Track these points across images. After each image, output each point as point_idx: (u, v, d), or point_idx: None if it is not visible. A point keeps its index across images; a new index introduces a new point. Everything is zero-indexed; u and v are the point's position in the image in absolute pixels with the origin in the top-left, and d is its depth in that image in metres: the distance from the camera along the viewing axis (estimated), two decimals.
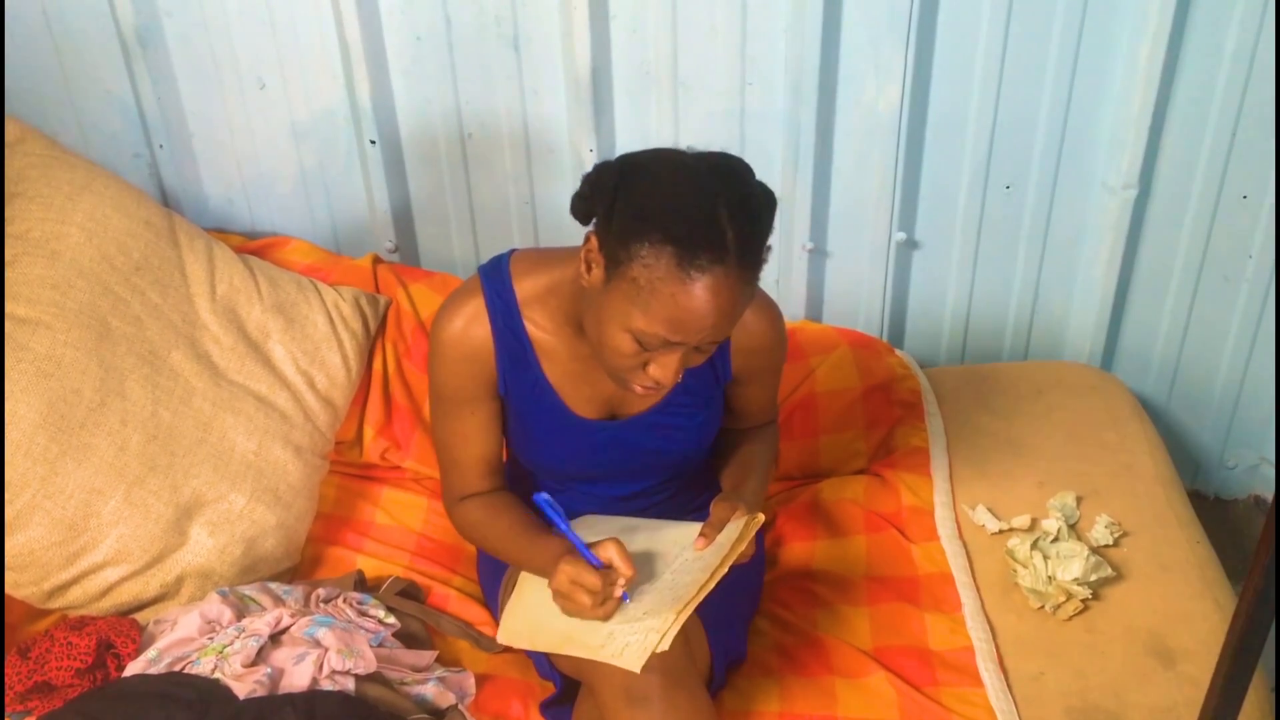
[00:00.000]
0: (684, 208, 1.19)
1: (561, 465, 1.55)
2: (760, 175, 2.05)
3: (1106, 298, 2.11)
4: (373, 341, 1.92)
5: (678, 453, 1.54)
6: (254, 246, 2.00)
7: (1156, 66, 1.86)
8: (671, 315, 1.20)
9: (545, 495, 1.39)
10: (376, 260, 2.04)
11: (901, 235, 2.08)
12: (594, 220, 1.27)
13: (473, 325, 1.42)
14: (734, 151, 1.96)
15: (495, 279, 1.44)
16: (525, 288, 1.43)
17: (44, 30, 1.94)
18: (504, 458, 1.56)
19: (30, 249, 1.63)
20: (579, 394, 1.47)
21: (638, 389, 1.31)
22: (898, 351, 2.07)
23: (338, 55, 1.94)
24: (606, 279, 1.24)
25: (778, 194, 2.00)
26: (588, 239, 1.27)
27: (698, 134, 1.99)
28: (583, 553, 1.34)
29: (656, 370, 1.27)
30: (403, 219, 2.13)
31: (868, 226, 2.07)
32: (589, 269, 1.28)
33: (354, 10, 1.88)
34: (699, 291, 1.19)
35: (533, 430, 1.50)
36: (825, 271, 2.14)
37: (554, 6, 1.88)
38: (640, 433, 1.50)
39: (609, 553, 1.32)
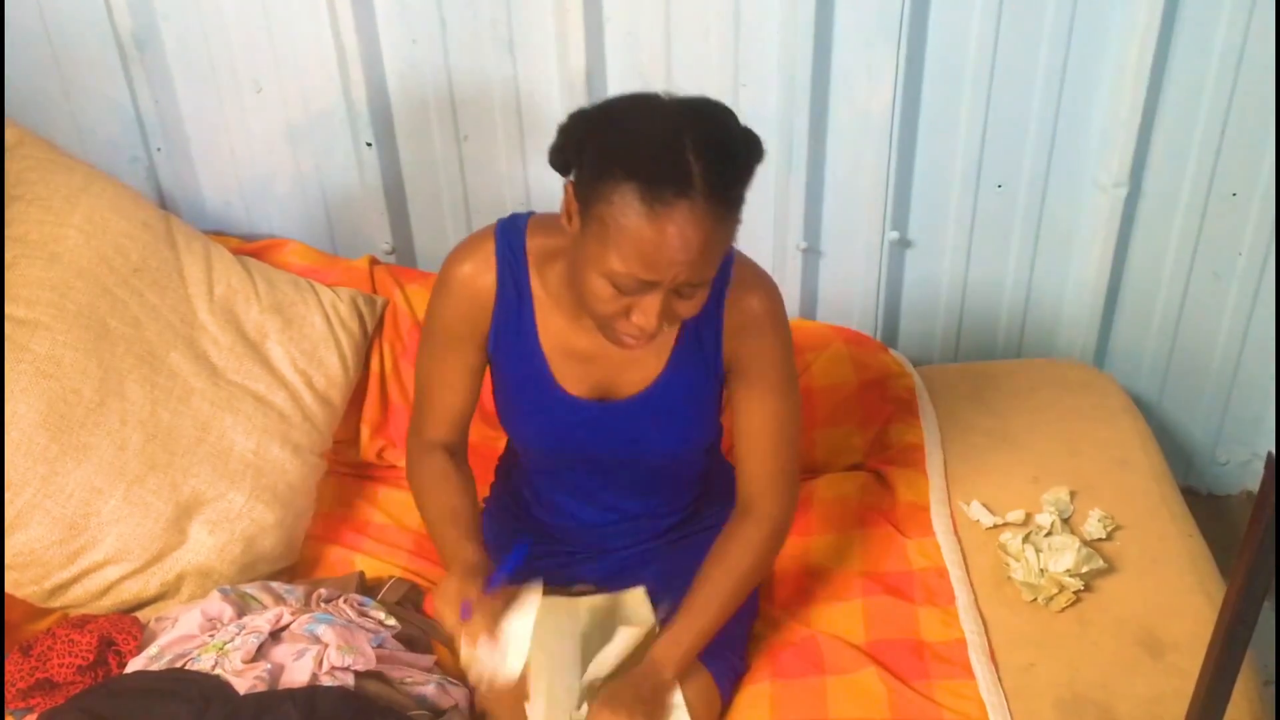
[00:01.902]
0: (649, 145, 1.18)
1: (540, 440, 1.52)
2: (754, 176, 2.06)
3: (1098, 295, 2.13)
4: (370, 341, 1.94)
5: (661, 449, 1.51)
6: (251, 248, 2.01)
7: (1146, 65, 1.88)
8: (641, 253, 1.18)
9: (525, 546, 1.38)
10: (373, 262, 2.05)
11: (895, 234, 2.09)
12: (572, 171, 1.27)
13: (481, 271, 1.42)
14: None
15: (510, 232, 1.43)
16: (536, 245, 1.42)
17: (41, 35, 1.95)
18: (470, 416, 1.52)
19: (29, 251, 1.65)
20: (570, 370, 1.45)
21: (625, 338, 1.29)
22: (891, 350, 2.08)
23: (334, 58, 1.95)
24: (582, 225, 1.23)
25: (772, 194, 2.04)
26: (566, 189, 1.27)
27: None
28: (491, 584, 1.32)
29: (638, 316, 1.24)
30: (399, 221, 2.14)
31: (861, 226, 2.09)
32: (569, 219, 1.27)
33: (350, 13, 1.89)
34: (665, 227, 1.17)
35: (517, 399, 1.49)
36: (819, 271, 2.15)
37: (549, 10, 1.90)
38: (624, 419, 1.46)
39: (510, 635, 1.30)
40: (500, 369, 1.48)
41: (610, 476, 1.56)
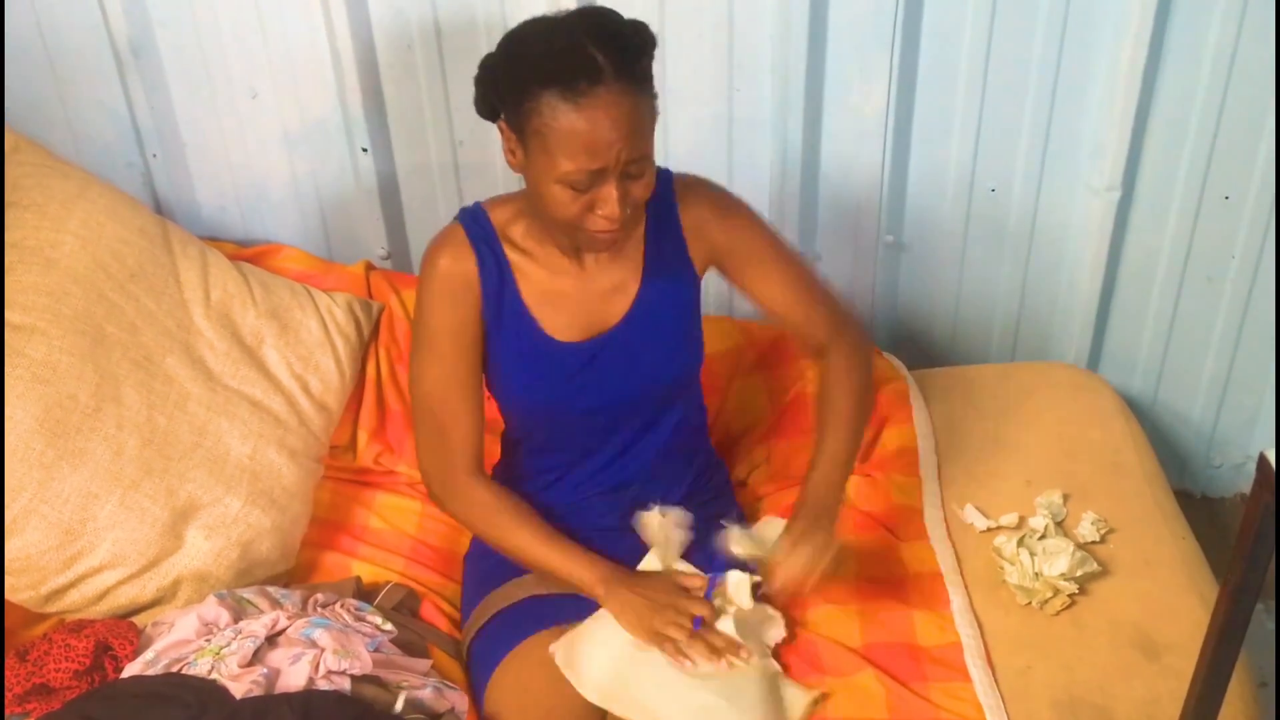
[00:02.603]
0: (554, 53, 1.31)
1: (542, 397, 1.56)
2: (749, 180, 2.09)
3: (1092, 299, 2.13)
4: (366, 347, 1.94)
5: (662, 377, 1.57)
6: (247, 254, 2.01)
7: (1138, 69, 1.89)
8: (582, 145, 1.30)
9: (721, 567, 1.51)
10: (369, 267, 2.05)
11: (889, 238, 2.10)
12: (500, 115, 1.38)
13: (460, 258, 1.50)
14: (722, 157, 2.03)
15: (470, 214, 1.53)
16: (499, 215, 1.53)
17: (38, 41, 1.96)
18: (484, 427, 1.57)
19: (25, 257, 1.65)
20: (556, 319, 1.52)
21: (598, 236, 1.40)
22: (884, 354, 2.09)
23: (329, 64, 1.96)
24: (525, 150, 1.35)
25: (766, 198, 2.05)
26: (501, 129, 1.39)
27: (686, 140, 2.01)
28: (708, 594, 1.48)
29: (601, 207, 1.36)
30: (395, 226, 2.15)
31: (855, 229, 2.10)
32: (513, 154, 1.38)
33: (345, 19, 1.90)
34: (594, 115, 1.29)
35: (510, 361, 1.54)
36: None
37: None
38: (617, 351, 1.53)
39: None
40: (494, 341, 1.53)
41: (613, 432, 1.60)
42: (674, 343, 1.58)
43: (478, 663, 1.56)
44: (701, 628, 1.44)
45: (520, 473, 1.66)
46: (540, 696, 1.47)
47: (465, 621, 1.64)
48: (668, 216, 1.54)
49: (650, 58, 1.36)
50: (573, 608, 1.55)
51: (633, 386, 1.56)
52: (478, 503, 1.55)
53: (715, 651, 1.43)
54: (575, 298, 1.53)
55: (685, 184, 1.56)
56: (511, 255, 1.51)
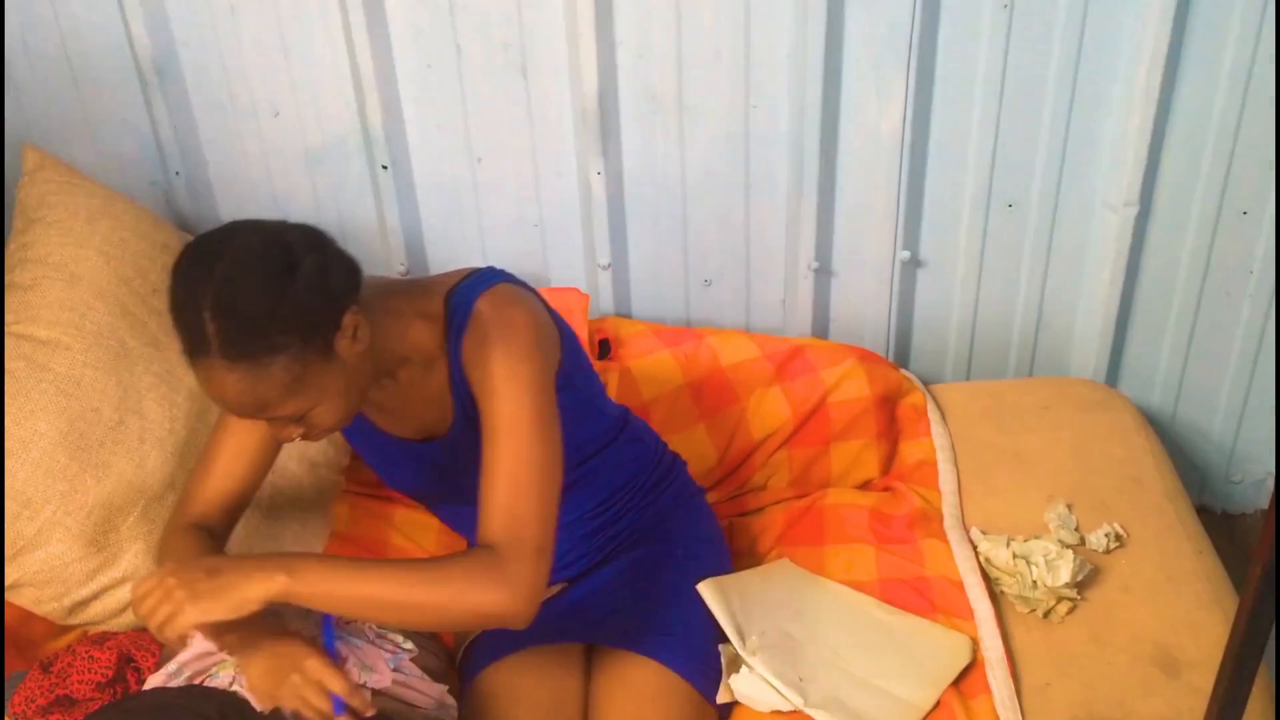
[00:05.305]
0: (176, 309, 1.22)
1: (407, 487, 1.58)
2: (765, 197, 2.09)
3: (1110, 314, 2.13)
4: None
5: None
6: None
7: (1155, 85, 1.89)
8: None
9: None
10: None
11: (906, 254, 2.10)
12: None
13: None
14: (739, 173, 2.04)
15: None
16: None
17: (63, 61, 1.98)
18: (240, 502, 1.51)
19: (50, 272, 1.67)
20: (387, 420, 1.49)
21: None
22: (902, 370, 2.09)
23: (350, 83, 1.98)
24: None
25: (784, 215, 2.06)
26: None
27: (703, 157, 2.02)
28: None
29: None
30: (414, 242, 2.16)
31: (872, 246, 2.10)
32: None
33: (365, 39, 1.92)
34: (205, 382, 1.23)
35: (368, 457, 1.56)
36: (831, 291, 2.16)
37: (561, 34, 1.92)
38: (449, 453, 1.47)
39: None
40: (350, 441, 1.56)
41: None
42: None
43: (463, 678, 1.57)
44: (344, 712, 1.28)
45: None
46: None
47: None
48: (456, 343, 1.38)
49: (284, 326, 1.21)
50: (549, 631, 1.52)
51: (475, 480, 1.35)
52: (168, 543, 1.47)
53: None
54: (394, 410, 1.46)
55: (479, 318, 1.36)
56: None
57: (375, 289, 1.36)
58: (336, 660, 1.32)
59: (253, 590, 1.23)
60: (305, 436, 1.33)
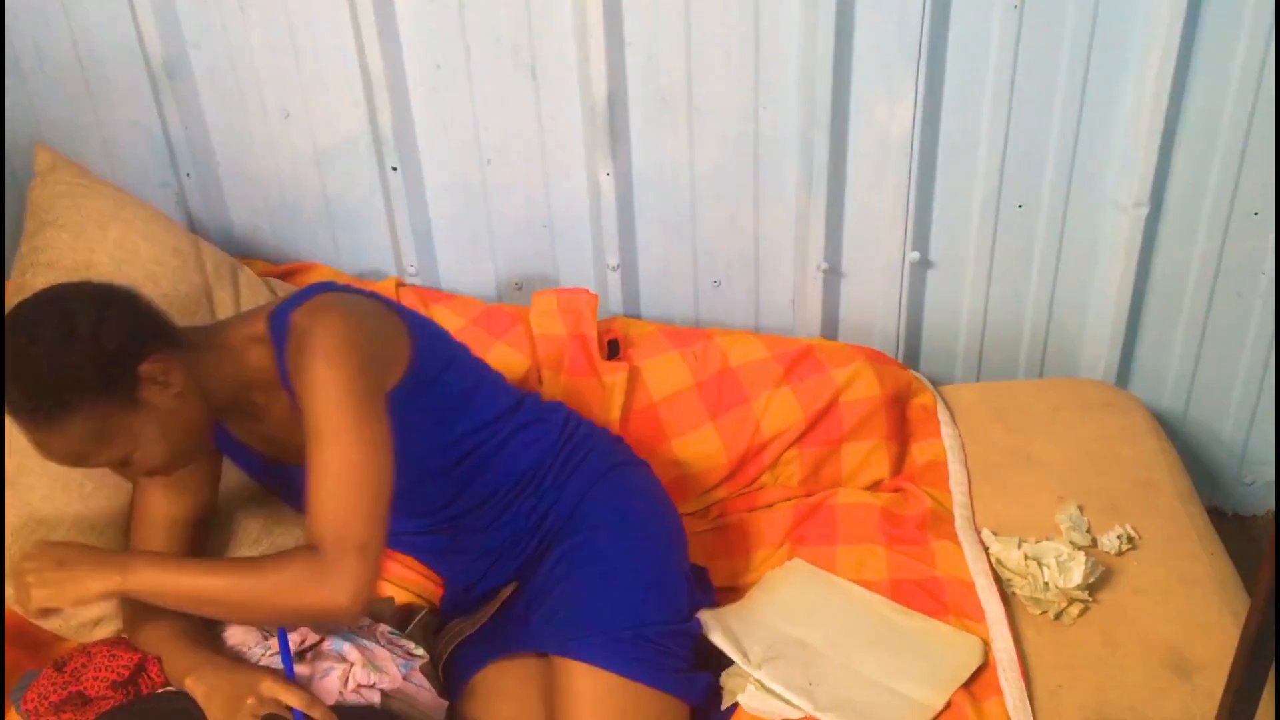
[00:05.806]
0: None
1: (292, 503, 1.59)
2: (775, 198, 2.09)
3: (1120, 315, 2.12)
4: None
5: None
6: (279, 271, 2.04)
7: (1165, 85, 1.88)
8: None
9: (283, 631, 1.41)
10: (399, 283, 2.08)
11: (915, 255, 2.10)
12: None
13: None
14: (749, 174, 2.04)
15: None
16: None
17: (74, 63, 1.99)
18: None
19: (61, 276, 1.67)
20: (273, 448, 1.52)
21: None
22: (912, 371, 2.09)
23: (360, 84, 1.98)
24: None
25: (793, 216, 2.06)
26: None
27: (713, 157, 2.02)
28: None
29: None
30: (424, 243, 2.16)
31: (882, 246, 2.10)
32: None
33: (375, 40, 1.92)
34: (28, 442, 1.31)
35: (281, 494, 1.60)
36: (840, 291, 2.16)
37: (570, 34, 1.92)
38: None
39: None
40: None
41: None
42: None
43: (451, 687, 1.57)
44: None
45: None
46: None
47: None
48: (282, 359, 1.40)
49: (82, 385, 1.27)
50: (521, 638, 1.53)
51: None
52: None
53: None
54: (274, 437, 1.50)
55: (293, 329, 1.38)
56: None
57: (206, 329, 1.45)
58: (294, 679, 1.36)
59: (93, 585, 1.31)
60: (131, 476, 1.41)
